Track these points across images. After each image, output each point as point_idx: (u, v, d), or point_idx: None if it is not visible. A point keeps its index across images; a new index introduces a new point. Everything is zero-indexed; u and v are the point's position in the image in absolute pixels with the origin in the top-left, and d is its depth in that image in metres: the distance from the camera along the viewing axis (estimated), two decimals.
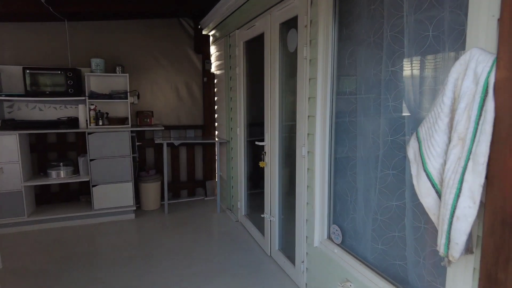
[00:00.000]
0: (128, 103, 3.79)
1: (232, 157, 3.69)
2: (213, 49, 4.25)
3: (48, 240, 3.15)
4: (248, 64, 3.22)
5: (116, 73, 3.76)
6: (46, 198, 3.85)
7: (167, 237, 3.25)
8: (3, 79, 3.56)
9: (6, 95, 3.35)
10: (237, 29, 3.24)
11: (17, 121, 3.46)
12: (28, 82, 3.35)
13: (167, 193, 3.96)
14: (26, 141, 3.52)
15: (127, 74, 3.74)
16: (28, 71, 3.34)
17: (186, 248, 2.99)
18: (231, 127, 3.66)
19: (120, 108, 3.98)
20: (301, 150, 2.18)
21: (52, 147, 3.84)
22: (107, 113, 3.84)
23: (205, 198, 4.54)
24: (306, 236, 2.18)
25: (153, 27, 4.11)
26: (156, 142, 3.95)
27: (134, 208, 3.76)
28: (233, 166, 3.67)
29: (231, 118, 3.64)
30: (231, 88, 3.58)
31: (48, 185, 3.85)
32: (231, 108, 3.61)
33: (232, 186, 3.76)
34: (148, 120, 4.05)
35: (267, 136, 2.72)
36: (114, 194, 3.66)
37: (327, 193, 1.98)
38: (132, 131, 3.71)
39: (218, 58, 3.98)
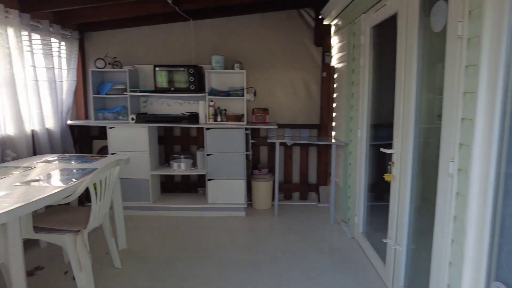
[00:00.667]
0: (244, 100, 3.73)
1: (350, 163, 3.21)
2: (334, 40, 3.81)
3: (166, 228, 3.35)
4: (375, 54, 2.68)
5: (234, 69, 3.74)
6: (170, 187, 4.16)
7: (274, 242, 3.03)
8: (141, 77, 3.96)
9: (141, 91, 3.69)
10: (363, 13, 2.74)
11: (148, 115, 3.79)
12: (157, 79, 3.62)
13: (277, 193, 3.77)
14: (155, 133, 3.84)
15: (244, 71, 3.67)
16: (157, 68, 3.60)
17: (293, 259, 2.70)
18: (351, 128, 3.18)
19: (237, 105, 3.97)
20: (446, 166, 1.59)
21: (176, 140, 4.11)
22: (225, 110, 3.87)
23: (318, 205, 4.16)
24: (448, 284, 1.60)
25: (273, 21, 3.94)
26: (268, 141, 3.79)
27: (245, 206, 3.70)
28: (351, 173, 3.18)
29: (352, 117, 3.15)
30: (353, 82, 3.10)
31: (173, 175, 4.15)
32: (352, 106, 3.13)
33: (349, 196, 3.28)
34: (263, 118, 3.91)
35: (396, 142, 2.17)
36: (227, 189, 3.67)
37: (489, 232, 1.37)
38: (246, 129, 3.63)
39: (340, 49, 3.53)
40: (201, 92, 3.69)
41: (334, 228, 3.39)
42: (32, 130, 3.12)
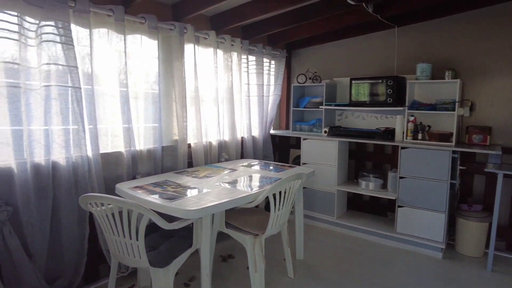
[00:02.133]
0: (455, 115, 3.04)
1: None
2: None
3: (346, 247, 3.19)
4: None
5: (444, 79, 3.12)
6: (357, 204, 3.95)
7: None
8: (338, 91, 3.96)
9: (335, 105, 3.68)
10: None
11: (341, 128, 3.74)
12: (352, 92, 3.51)
13: (494, 239, 2.85)
14: (346, 147, 3.75)
15: (458, 80, 2.99)
16: (353, 81, 3.48)
17: None
18: None
19: (446, 121, 3.30)
20: None
21: (369, 156, 3.86)
22: (428, 126, 3.30)
23: None
24: None
25: (493, 15, 3.01)
26: (486, 170, 2.92)
27: (443, 246, 3.01)
28: None
29: None
30: None
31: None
32: None
33: None
34: (482, 139, 3.07)
35: None
36: (421, 221, 3.11)
37: None
38: (454, 151, 2.95)
39: None
40: (400, 106, 3.29)
41: None
42: (242, 137, 3.71)
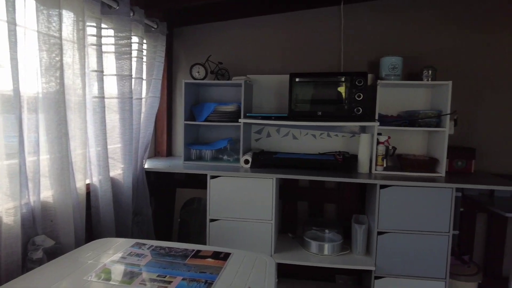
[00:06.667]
0: (446, 133, 2.07)
1: None
2: None
3: None
4: None
5: (423, 79, 2.13)
6: (287, 268, 2.56)
7: None
8: (255, 94, 2.51)
9: (262, 117, 2.20)
10: None
11: (274, 156, 2.28)
12: (296, 96, 2.12)
13: None
14: (277, 185, 2.32)
15: (450, 82, 2.03)
16: (297, 79, 2.10)
17: None
18: None
19: (419, 142, 2.34)
20: None
21: (303, 194, 2.55)
22: (394, 148, 2.25)
23: None
24: None
25: (485, 5, 2.29)
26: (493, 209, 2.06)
27: None
28: None
29: None
30: None
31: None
32: None
33: None
34: (464, 164, 2.22)
35: None
36: None
37: None
38: (458, 189, 1.95)
39: None
40: (372, 119, 2.11)
41: None
42: (88, 186, 1.74)
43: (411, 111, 2.23)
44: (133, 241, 1.40)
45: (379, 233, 2.00)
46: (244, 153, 2.25)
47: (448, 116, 2.04)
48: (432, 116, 2.11)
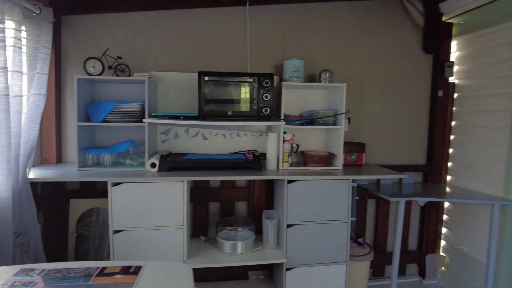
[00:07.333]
0: (342, 130, 2.29)
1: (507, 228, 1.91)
2: (458, 45, 2.61)
3: None
4: None
5: (321, 82, 2.32)
6: (199, 272, 2.50)
7: None
8: (160, 92, 2.37)
9: (170, 117, 2.09)
10: None
11: (184, 158, 2.18)
12: (205, 96, 2.07)
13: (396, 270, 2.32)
14: (188, 188, 2.24)
15: (345, 84, 2.26)
16: (206, 78, 2.06)
17: None
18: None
19: (318, 138, 2.54)
20: None
21: (213, 195, 2.52)
22: (297, 145, 2.40)
23: (424, 282, 2.80)
24: None
25: (363, 16, 2.62)
26: (380, 195, 2.36)
27: None
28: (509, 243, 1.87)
29: None
30: None
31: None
32: None
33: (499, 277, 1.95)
34: (357, 158, 2.50)
35: None
36: (318, 282, 2.15)
37: None
38: (354, 180, 2.19)
39: (465, 59, 2.33)
40: (278, 118, 2.20)
41: None
42: None
43: (311, 111, 2.41)
44: (17, 267, 1.16)
45: (288, 226, 2.10)
46: (150, 156, 2.10)
47: (343, 115, 2.27)
48: (330, 115, 2.31)
